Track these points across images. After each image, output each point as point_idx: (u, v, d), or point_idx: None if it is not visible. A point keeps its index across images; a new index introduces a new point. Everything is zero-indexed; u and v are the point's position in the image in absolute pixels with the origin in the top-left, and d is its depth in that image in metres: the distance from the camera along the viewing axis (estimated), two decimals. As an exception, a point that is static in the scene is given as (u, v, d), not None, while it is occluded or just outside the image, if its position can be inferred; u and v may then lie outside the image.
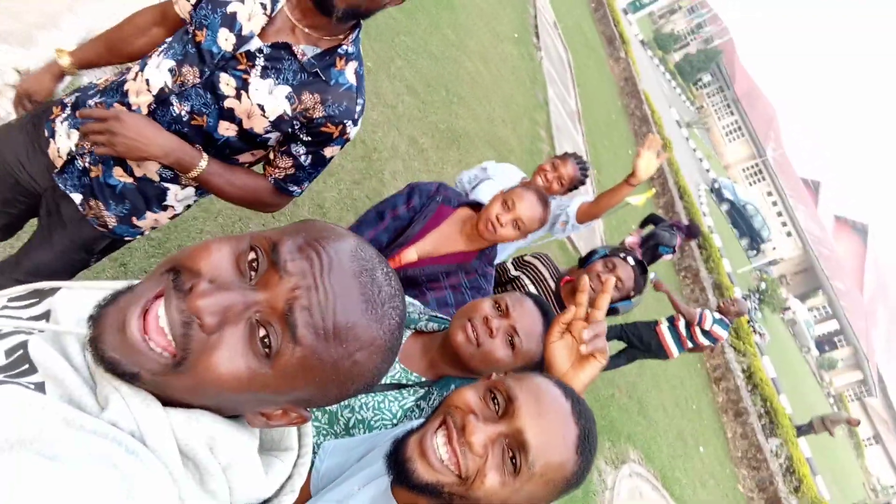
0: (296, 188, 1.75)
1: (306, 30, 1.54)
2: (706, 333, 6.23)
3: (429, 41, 7.63)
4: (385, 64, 6.33)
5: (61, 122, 1.68)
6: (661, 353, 6.45)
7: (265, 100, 1.54)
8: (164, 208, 1.77)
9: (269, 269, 0.66)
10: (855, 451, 27.33)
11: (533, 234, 2.48)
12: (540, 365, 1.64)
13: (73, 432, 0.60)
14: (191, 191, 1.77)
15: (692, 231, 8.17)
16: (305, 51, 1.54)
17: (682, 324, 6.32)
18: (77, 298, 0.77)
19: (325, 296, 0.64)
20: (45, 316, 0.76)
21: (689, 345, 6.35)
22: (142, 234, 1.83)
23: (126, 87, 1.63)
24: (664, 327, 6.40)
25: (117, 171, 1.66)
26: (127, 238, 1.82)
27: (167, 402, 0.67)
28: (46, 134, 1.69)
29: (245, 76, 1.52)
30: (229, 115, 1.56)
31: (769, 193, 48.18)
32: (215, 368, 0.63)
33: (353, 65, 1.61)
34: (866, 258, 56.47)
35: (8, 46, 2.80)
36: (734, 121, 52.36)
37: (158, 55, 1.61)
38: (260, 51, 1.52)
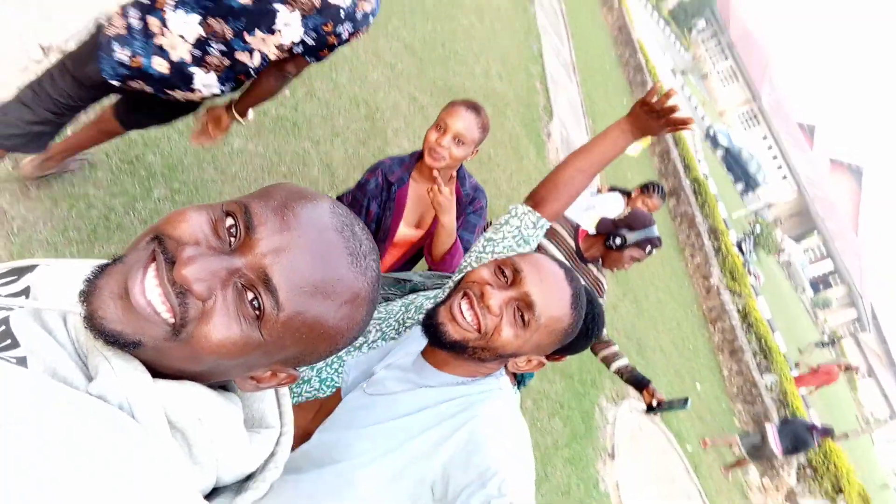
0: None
1: None
2: None
3: (424, -2, 7.73)
4: (382, 24, 6.45)
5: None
6: None
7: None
8: (192, 90, 2.13)
9: (247, 234, 0.66)
10: (848, 385, 27.94)
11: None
12: None
13: (57, 407, 0.58)
14: (213, 78, 2.10)
15: (828, 432, 9.11)
16: None
17: None
18: (56, 275, 0.77)
19: (305, 253, 0.65)
20: (25, 292, 0.75)
21: None
22: (175, 98, 2.19)
23: None
24: None
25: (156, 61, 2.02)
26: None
27: (157, 373, 0.67)
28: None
29: None
30: None
31: (764, 137, 48.03)
32: (213, 335, 0.64)
33: None
34: (861, 199, 56.71)
35: (30, 21, 3.01)
36: (729, 66, 51.79)
37: None
38: None
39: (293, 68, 2.23)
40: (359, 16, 2.10)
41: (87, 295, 0.63)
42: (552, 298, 1.32)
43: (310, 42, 2.08)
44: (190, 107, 2.36)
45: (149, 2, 1.99)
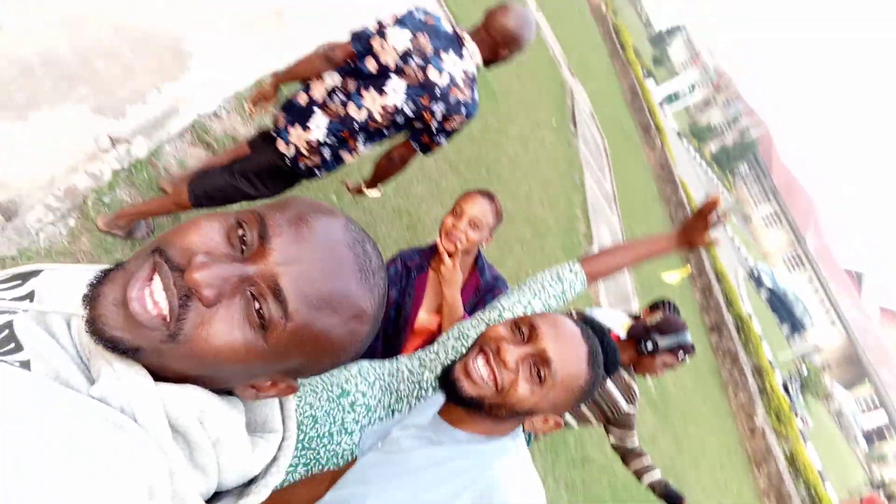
0: None
1: None
2: None
3: (471, 126, 7.98)
4: (430, 144, 6.73)
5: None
6: None
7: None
8: (306, 128, 2.56)
9: (260, 243, 0.67)
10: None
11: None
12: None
13: (58, 409, 0.59)
14: (325, 122, 2.53)
15: None
16: None
17: None
18: (60, 279, 0.77)
19: (317, 266, 0.66)
20: (29, 297, 0.75)
21: None
22: (287, 140, 2.61)
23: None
24: None
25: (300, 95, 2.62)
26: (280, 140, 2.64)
27: (159, 376, 0.67)
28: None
29: None
30: None
31: (810, 281, 47.52)
32: (213, 340, 0.64)
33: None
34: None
35: (103, 117, 3.24)
36: (772, 209, 52.25)
37: None
38: None
39: (399, 154, 2.70)
40: (452, 100, 2.45)
41: (90, 300, 0.63)
42: (569, 355, 1.33)
43: (408, 111, 2.46)
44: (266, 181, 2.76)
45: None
